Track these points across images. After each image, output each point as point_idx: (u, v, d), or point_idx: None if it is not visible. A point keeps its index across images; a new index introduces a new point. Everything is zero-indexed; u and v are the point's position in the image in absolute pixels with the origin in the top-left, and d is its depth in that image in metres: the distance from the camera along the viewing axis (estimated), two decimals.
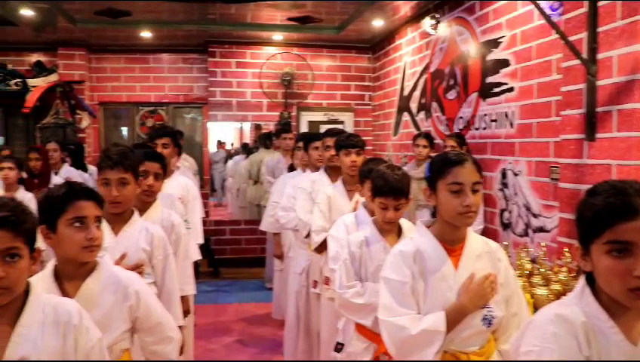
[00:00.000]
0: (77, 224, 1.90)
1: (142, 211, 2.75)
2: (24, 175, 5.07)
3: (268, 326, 5.73)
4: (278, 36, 7.97)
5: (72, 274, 1.95)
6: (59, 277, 1.95)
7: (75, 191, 1.93)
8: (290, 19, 7.05)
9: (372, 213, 2.87)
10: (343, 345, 2.88)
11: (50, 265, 1.99)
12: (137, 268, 2.44)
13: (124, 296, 2.00)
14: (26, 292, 1.63)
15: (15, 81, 7.56)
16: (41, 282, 1.92)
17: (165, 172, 3.07)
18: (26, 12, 6.34)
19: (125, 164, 2.52)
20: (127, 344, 2.06)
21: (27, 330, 1.58)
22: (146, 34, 7.63)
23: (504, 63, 4.63)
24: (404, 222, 2.77)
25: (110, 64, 8.45)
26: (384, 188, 2.62)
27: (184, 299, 2.91)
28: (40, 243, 1.67)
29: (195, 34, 7.76)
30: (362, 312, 2.58)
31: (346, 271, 2.65)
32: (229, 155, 9.37)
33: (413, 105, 6.75)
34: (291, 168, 5.47)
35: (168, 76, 8.54)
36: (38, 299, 1.64)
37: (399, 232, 2.73)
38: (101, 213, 1.97)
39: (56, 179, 5.40)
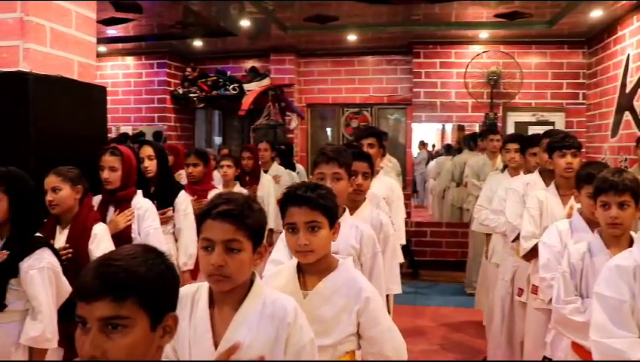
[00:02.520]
0: (290, 229, 2.01)
1: (352, 210, 2.81)
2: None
3: (467, 332, 5.56)
4: (483, 34, 7.72)
5: (310, 270, 2.05)
6: (301, 270, 2.06)
7: (288, 198, 2.02)
8: (497, 15, 6.80)
9: (588, 222, 2.66)
10: (550, 360, 2.72)
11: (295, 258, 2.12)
12: None
13: (355, 300, 2.02)
14: (252, 282, 1.74)
15: (233, 85, 8.26)
16: (286, 271, 2.08)
17: (373, 172, 3.12)
18: (245, 23, 6.88)
19: (340, 160, 2.61)
20: (352, 346, 2.08)
21: (245, 317, 1.68)
22: (351, 37, 7.83)
23: None
24: (635, 235, 2.50)
25: (317, 67, 8.82)
26: (604, 184, 2.39)
27: (387, 298, 2.93)
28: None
29: (399, 35, 7.79)
30: (582, 331, 2.34)
31: (564, 285, 2.44)
32: (431, 156, 9.33)
33: (637, 104, 6.12)
34: (503, 170, 5.27)
35: (373, 78, 8.67)
36: (261, 291, 1.74)
37: (630, 246, 2.37)
38: (316, 217, 1.98)
39: (266, 177, 5.78)
